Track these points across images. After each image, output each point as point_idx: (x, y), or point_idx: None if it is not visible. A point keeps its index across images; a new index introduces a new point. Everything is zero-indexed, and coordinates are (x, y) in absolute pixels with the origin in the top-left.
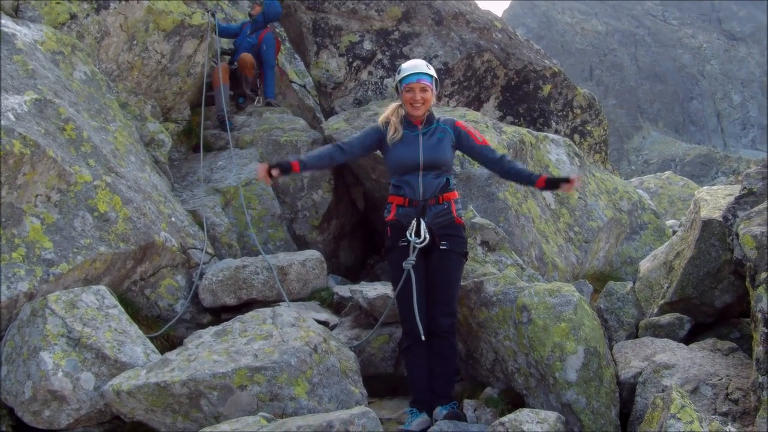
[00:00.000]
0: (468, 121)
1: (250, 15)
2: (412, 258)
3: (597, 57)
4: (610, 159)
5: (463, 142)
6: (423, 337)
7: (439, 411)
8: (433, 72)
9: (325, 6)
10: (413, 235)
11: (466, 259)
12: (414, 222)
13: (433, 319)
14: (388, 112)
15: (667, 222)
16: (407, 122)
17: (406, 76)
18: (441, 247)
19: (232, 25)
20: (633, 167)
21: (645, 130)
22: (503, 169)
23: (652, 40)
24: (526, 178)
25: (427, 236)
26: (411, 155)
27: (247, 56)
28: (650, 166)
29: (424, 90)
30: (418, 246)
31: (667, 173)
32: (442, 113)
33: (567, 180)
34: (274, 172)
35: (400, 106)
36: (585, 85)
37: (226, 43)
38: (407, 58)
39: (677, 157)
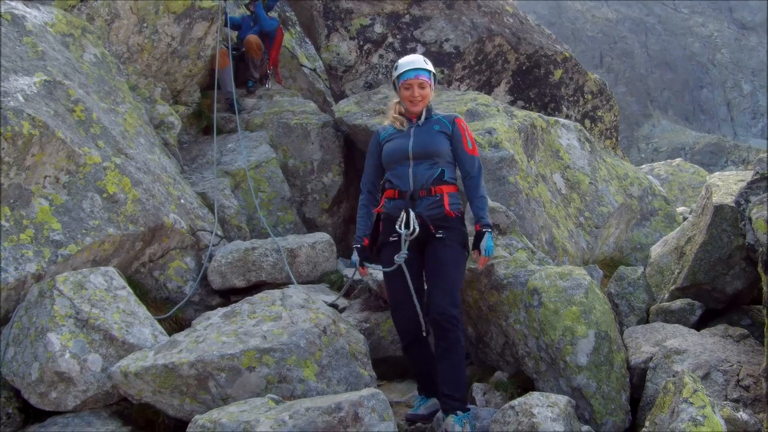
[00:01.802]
0: (479, 104)
1: (247, 7)
2: (404, 251)
3: (607, 44)
4: (620, 146)
5: (454, 141)
6: (425, 333)
7: (455, 422)
8: (431, 67)
9: None
10: (403, 227)
11: (468, 252)
12: (403, 213)
13: (432, 309)
14: (389, 112)
15: (677, 209)
16: (405, 117)
17: (404, 72)
18: (437, 236)
19: (236, 17)
20: (643, 155)
21: (655, 118)
22: (467, 189)
23: (663, 28)
24: (473, 212)
25: (417, 227)
26: (400, 146)
27: (252, 38)
28: (660, 154)
29: (422, 86)
30: (409, 238)
31: (678, 160)
32: (452, 98)
33: (479, 248)
34: (365, 264)
35: (399, 102)
36: (595, 73)
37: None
38: (418, 41)
39: (687, 145)
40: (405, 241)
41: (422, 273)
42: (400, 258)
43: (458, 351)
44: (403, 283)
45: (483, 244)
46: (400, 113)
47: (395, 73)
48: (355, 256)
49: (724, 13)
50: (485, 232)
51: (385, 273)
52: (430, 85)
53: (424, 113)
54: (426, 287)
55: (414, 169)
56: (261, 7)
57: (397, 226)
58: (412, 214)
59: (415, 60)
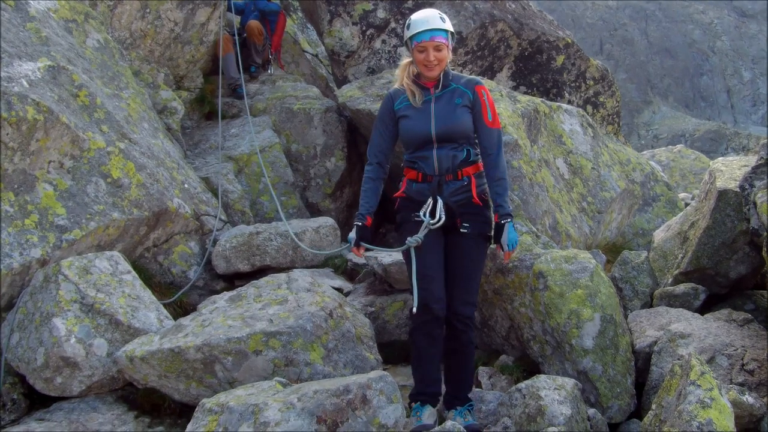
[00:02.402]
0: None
1: None
2: (419, 236)
3: (607, 31)
4: (621, 132)
5: (474, 111)
6: (415, 310)
7: (455, 416)
8: (448, 25)
9: None
10: (428, 214)
11: (491, 243)
12: (430, 200)
13: (450, 308)
14: (399, 73)
15: (679, 195)
16: (419, 85)
17: (417, 33)
18: (462, 230)
19: (239, 2)
20: (643, 142)
21: (655, 105)
22: (485, 168)
23: (663, 15)
24: (492, 197)
25: (443, 217)
26: (421, 127)
27: (254, 23)
28: (660, 141)
29: (438, 48)
30: (432, 227)
31: (679, 147)
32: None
33: (500, 243)
34: (362, 244)
35: (411, 62)
36: (595, 59)
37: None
38: None
39: (687, 132)
40: (425, 227)
41: (443, 256)
42: (412, 241)
43: (469, 352)
44: (431, 258)
45: (504, 237)
46: (414, 77)
47: (408, 33)
48: (352, 234)
49: (724, 0)
50: (505, 223)
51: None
52: (447, 47)
53: (441, 79)
54: (448, 282)
55: (438, 152)
56: None
57: (422, 213)
58: (440, 202)
59: (430, 18)
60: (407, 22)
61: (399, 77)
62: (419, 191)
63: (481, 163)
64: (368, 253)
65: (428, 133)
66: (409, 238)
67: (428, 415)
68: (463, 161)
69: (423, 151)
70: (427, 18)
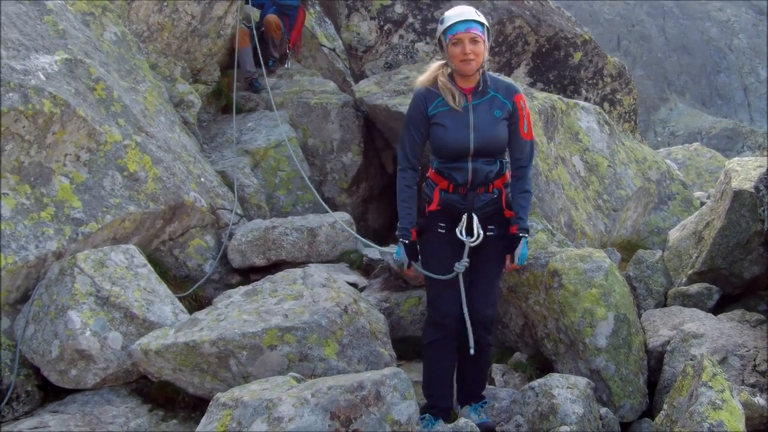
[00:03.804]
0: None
1: None
2: (466, 260)
3: (625, 27)
4: (637, 129)
5: (511, 123)
6: (472, 351)
7: (469, 413)
8: (483, 19)
9: None
10: (465, 232)
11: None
12: (465, 217)
13: (474, 308)
14: (429, 73)
15: (694, 193)
16: (456, 90)
17: (452, 25)
18: (488, 234)
19: None
20: (659, 139)
21: (672, 102)
22: (513, 178)
23: (681, 12)
24: (514, 208)
25: (481, 233)
26: (459, 139)
27: (272, 17)
28: (676, 138)
29: (474, 41)
30: (472, 245)
31: (695, 145)
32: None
33: (512, 255)
34: (413, 263)
35: (445, 65)
36: (612, 56)
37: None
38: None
39: (703, 129)
40: (467, 248)
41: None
42: (460, 266)
43: (487, 355)
44: (456, 284)
45: (518, 251)
46: (449, 77)
47: (441, 27)
48: (402, 255)
49: None
50: (522, 237)
51: (426, 259)
52: (484, 41)
53: (480, 82)
54: (471, 283)
55: (473, 164)
56: None
57: (458, 231)
58: (475, 219)
59: (465, 11)
60: (440, 18)
61: (428, 78)
62: (450, 202)
63: (508, 173)
64: (384, 249)
65: (466, 147)
66: (456, 264)
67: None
68: (495, 174)
69: (457, 163)
70: (461, 11)
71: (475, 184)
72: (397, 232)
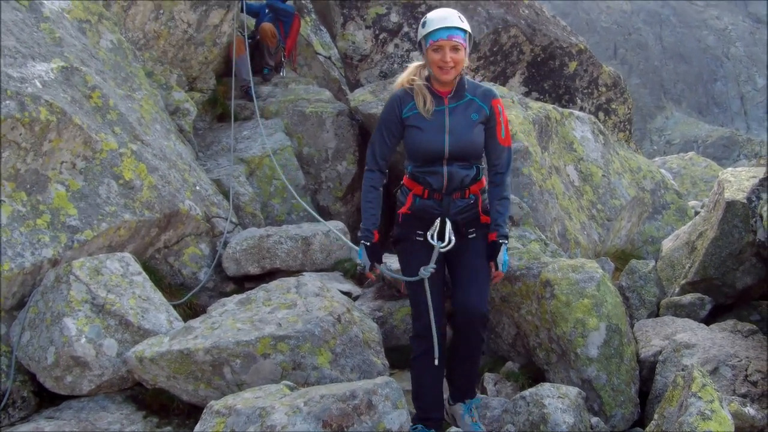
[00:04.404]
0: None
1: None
2: (432, 266)
3: (622, 36)
4: (633, 138)
5: (488, 128)
6: (437, 361)
7: (463, 414)
8: (467, 26)
9: None
10: (435, 237)
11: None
12: (437, 222)
13: (464, 307)
14: (406, 74)
15: (689, 203)
16: (431, 92)
17: (434, 31)
18: (469, 236)
19: (254, 4)
20: (655, 147)
21: (668, 111)
22: (490, 185)
23: (677, 20)
24: (492, 215)
25: (453, 239)
26: (434, 142)
27: (267, 25)
28: (672, 146)
29: (455, 49)
30: (442, 251)
31: (690, 154)
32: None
33: (495, 264)
34: (376, 265)
35: (424, 66)
36: (609, 64)
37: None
38: None
39: (700, 138)
40: (436, 253)
41: (443, 275)
42: (426, 272)
43: (479, 351)
44: (431, 282)
45: (500, 257)
46: (426, 82)
47: (423, 31)
48: (364, 257)
49: (738, 6)
50: (502, 243)
51: (405, 269)
52: (465, 49)
53: (456, 88)
54: (454, 284)
55: (449, 168)
56: None
57: (429, 235)
58: (448, 224)
59: (447, 15)
60: (423, 20)
61: (403, 79)
62: (425, 208)
63: (485, 179)
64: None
65: (441, 150)
66: (422, 270)
67: None
68: (472, 179)
69: (432, 167)
70: (445, 16)
71: (451, 188)
72: (359, 234)
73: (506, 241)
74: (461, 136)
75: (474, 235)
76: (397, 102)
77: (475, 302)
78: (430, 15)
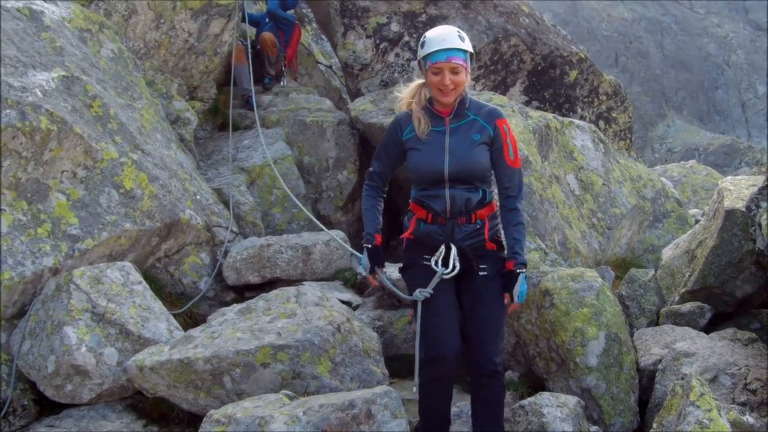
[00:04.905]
0: (494, 105)
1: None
2: (429, 290)
3: (623, 44)
4: (634, 146)
5: (494, 149)
6: (414, 389)
7: None
8: (468, 45)
9: None
10: (440, 264)
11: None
12: (442, 247)
13: (482, 358)
14: (407, 95)
15: (690, 211)
16: (431, 113)
17: (433, 53)
18: (480, 273)
19: (255, 14)
20: (657, 155)
21: (669, 119)
22: (502, 210)
23: (678, 28)
24: (508, 243)
25: (458, 266)
26: (433, 163)
27: (267, 35)
28: (674, 154)
29: (455, 71)
30: (446, 277)
31: (691, 162)
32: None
33: (510, 293)
34: (377, 269)
35: (424, 85)
36: (610, 72)
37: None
38: None
39: (701, 146)
40: (437, 278)
41: (455, 300)
42: (421, 294)
43: (501, 404)
44: (443, 305)
45: (516, 289)
46: (427, 101)
47: (422, 52)
48: (365, 261)
49: (739, 14)
50: (520, 273)
51: (410, 286)
52: (465, 69)
53: (457, 107)
54: (465, 326)
55: (451, 191)
56: (275, 6)
57: (433, 261)
58: (453, 250)
59: (447, 36)
60: (422, 39)
61: (405, 100)
62: (429, 233)
63: (495, 203)
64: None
65: (440, 172)
66: (418, 291)
67: None
68: (477, 203)
69: (434, 190)
70: (444, 36)
71: (455, 212)
72: (363, 241)
73: (524, 270)
74: (461, 156)
75: (486, 273)
76: (398, 125)
77: (483, 351)
78: (429, 34)
